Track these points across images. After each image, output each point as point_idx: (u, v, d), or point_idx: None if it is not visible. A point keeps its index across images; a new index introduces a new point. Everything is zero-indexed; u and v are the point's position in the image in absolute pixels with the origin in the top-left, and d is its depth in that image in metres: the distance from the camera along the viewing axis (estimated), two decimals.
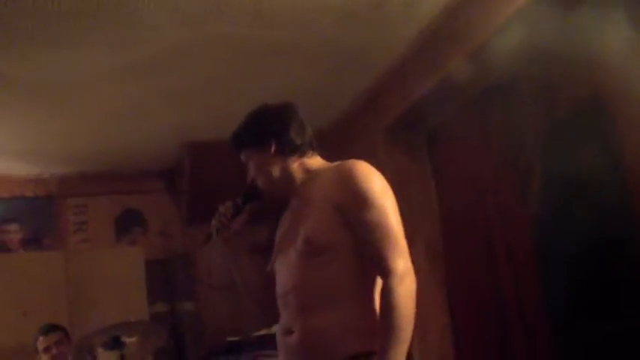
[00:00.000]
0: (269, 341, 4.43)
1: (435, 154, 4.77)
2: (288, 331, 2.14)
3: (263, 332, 4.55)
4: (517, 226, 3.89)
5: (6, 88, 4.22)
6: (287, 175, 2.26)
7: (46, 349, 4.27)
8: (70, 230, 6.05)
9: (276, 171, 2.25)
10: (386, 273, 1.98)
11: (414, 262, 2.05)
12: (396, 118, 4.64)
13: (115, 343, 3.72)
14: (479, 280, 4.22)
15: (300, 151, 2.27)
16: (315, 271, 2.08)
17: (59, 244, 5.95)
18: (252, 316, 5.91)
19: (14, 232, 5.99)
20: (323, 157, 2.34)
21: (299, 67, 4.38)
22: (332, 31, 3.91)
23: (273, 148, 2.25)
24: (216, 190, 5.82)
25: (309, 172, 2.26)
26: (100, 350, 3.77)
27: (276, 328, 4.53)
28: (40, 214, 6.06)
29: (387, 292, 1.96)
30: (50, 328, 4.35)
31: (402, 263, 1.99)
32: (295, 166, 2.26)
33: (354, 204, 2.05)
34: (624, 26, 2.87)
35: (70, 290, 5.16)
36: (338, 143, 5.49)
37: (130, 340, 3.74)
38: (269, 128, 2.29)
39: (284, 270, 2.20)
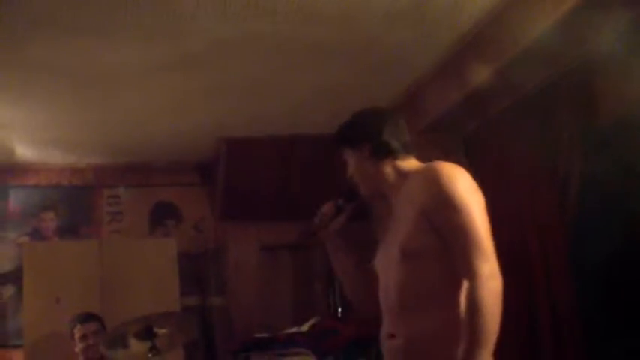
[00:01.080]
0: (298, 339, 4.47)
1: (472, 160, 4.73)
2: (390, 335, 2.19)
3: (293, 330, 4.56)
4: (553, 235, 3.84)
5: (46, 76, 4.27)
6: (380, 177, 2.31)
7: (83, 338, 4.32)
8: (105, 220, 6.12)
9: (370, 173, 2.32)
10: (470, 275, 2.00)
11: None
12: (433, 121, 4.62)
13: (148, 333, 3.74)
14: (513, 289, 4.18)
15: (393, 154, 2.31)
16: (412, 276, 2.13)
17: (94, 233, 6.03)
18: (281, 314, 5.99)
19: (50, 221, 6.07)
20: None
21: (337, 66, 4.38)
22: (372, 31, 3.90)
23: (367, 150, 2.31)
24: (250, 186, 5.93)
25: (402, 175, 2.29)
26: (132, 339, 3.79)
27: (305, 327, 4.55)
28: (76, 203, 6.14)
29: (470, 295, 1.99)
30: (88, 317, 4.40)
31: (486, 265, 2.00)
32: (389, 169, 2.31)
33: (438, 208, 2.08)
34: None
35: (103, 279, 5.19)
36: None
37: (161, 331, 3.75)
38: (364, 130, 2.35)
39: (385, 274, 2.27)
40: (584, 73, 3.50)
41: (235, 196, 5.96)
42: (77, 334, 4.34)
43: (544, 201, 3.94)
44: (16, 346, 5.67)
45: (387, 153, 2.30)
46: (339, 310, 5.26)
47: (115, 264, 5.27)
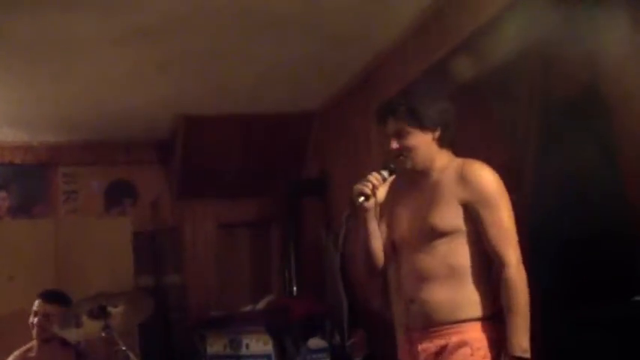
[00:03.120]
0: (253, 317, 4.47)
1: None
2: (411, 301, 2.47)
3: (248, 308, 4.56)
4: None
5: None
6: (434, 160, 2.51)
7: (35, 313, 4.23)
8: (60, 199, 6.01)
9: (428, 154, 2.49)
10: (504, 264, 2.36)
11: None
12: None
13: (101, 312, 3.69)
14: None
15: (450, 145, 2.54)
16: (437, 252, 2.43)
17: (49, 212, 5.92)
18: (238, 292, 5.95)
19: (2, 200, 5.94)
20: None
21: (297, 40, 4.31)
22: (333, 3, 3.85)
23: (436, 135, 2.48)
24: (208, 164, 5.87)
25: (446, 163, 2.52)
26: (85, 318, 3.73)
27: (260, 305, 4.53)
28: (30, 182, 6.01)
29: (508, 282, 2.34)
30: (50, 297, 4.25)
31: (515, 255, 2.37)
32: (443, 155, 2.52)
33: (477, 203, 2.40)
34: (622, 22, 2.86)
35: (57, 258, 5.11)
36: (334, 120, 5.47)
37: (115, 310, 3.71)
38: (440, 117, 2.50)
39: (408, 248, 2.52)
40: (539, 58, 3.51)
41: (193, 173, 5.90)
42: (34, 307, 4.26)
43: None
44: None
45: (449, 143, 2.53)
46: (294, 288, 5.25)
47: (70, 243, 5.20)
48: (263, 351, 4.27)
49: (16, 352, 4.34)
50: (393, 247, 2.61)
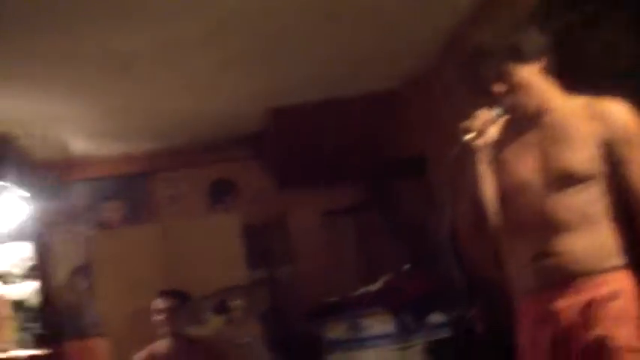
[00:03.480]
0: (370, 299, 4.44)
1: None
2: (542, 255, 2.20)
3: (363, 291, 4.54)
4: None
5: (88, 67, 4.27)
6: (549, 98, 2.25)
7: (156, 312, 4.42)
8: (164, 204, 6.15)
9: (540, 90, 2.24)
10: None
11: None
12: None
13: (223, 307, 3.74)
14: None
15: (558, 77, 2.27)
16: (572, 198, 2.18)
17: (155, 218, 6.06)
18: (349, 277, 5.95)
19: (113, 211, 6.13)
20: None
21: (382, 15, 4.23)
22: None
23: (541, 64, 2.23)
24: (304, 154, 5.88)
25: (563, 101, 2.26)
26: (208, 314, 3.80)
27: (376, 286, 4.48)
28: (135, 190, 6.18)
29: None
30: (165, 293, 4.48)
31: None
32: (556, 92, 2.27)
33: (618, 142, 2.16)
34: None
35: (169, 261, 5.21)
36: (427, 97, 5.36)
37: (235, 304, 3.75)
38: (540, 44, 2.25)
39: (532, 196, 2.23)
40: None
41: (290, 164, 5.94)
42: (155, 306, 4.44)
43: None
44: (95, 336, 5.76)
45: (558, 73, 2.26)
46: (407, 267, 5.20)
47: (180, 245, 5.27)
48: (384, 331, 4.22)
49: (142, 352, 4.49)
50: (504, 199, 2.28)
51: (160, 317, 4.38)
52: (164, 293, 4.49)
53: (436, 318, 4.40)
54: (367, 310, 4.35)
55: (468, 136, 2.20)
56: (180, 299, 4.46)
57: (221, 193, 6.14)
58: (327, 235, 6.07)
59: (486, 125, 2.22)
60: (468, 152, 2.23)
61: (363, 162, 5.96)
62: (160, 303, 4.44)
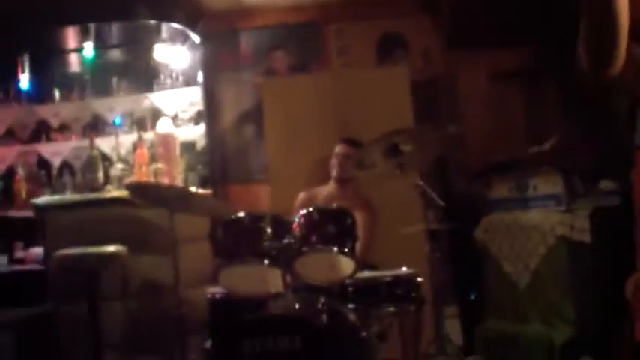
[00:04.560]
0: (541, 158, 4.35)
1: None
2: None
3: (535, 149, 4.44)
4: None
5: None
6: None
7: (335, 156, 4.66)
8: (333, 54, 6.19)
9: None
10: None
11: None
12: None
13: (394, 151, 3.76)
14: None
15: None
16: None
17: (323, 68, 6.13)
18: (515, 140, 5.82)
19: (281, 59, 6.24)
20: None
21: None
22: None
23: None
24: (477, 12, 5.68)
25: None
26: (378, 158, 3.84)
27: (547, 146, 4.33)
28: (304, 40, 6.24)
29: None
30: (348, 141, 4.68)
31: None
32: None
33: None
34: None
35: (337, 110, 5.27)
36: None
37: (407, 149, 3.76)
38: None
39: None
40: None
41: (462, 23, 5.76)
42: (335, 150, 4.68)
43: None
44: (259, 181, 6.02)
45: None
46: (576, 132, 5.02)
47: (349, 94, 5.31)
48: (552, 191, 4.14)
49: (304, 193, 4.69)
50: None
51: (339, 160, 4.54)
52: (344, 140, 4.66)
53: (606, 185, 4.27)
54: (537, 169, 4.27)
55: None
56: (359, 145, 4.57)
57: (390, 47, 6.10)
58: (495, 97, 5.94)
59: None
60: None
61: (540, 25, 5.70)
62: (338, 149, 4.60)
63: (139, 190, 4.16)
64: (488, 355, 4.56)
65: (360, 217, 4.51)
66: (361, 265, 3.35)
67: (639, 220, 2.03)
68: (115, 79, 6.32)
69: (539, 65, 5.89)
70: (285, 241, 3.26)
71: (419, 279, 3.69)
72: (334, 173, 4.60)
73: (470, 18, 5.73)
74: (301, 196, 4.70)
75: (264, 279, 3.41)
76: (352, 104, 5.28)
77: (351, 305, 3.53)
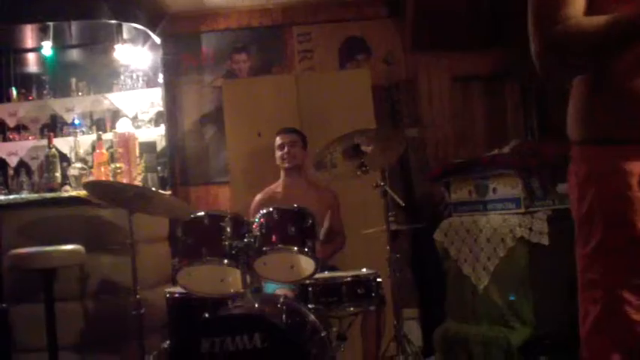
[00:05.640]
0: (500, 160, 4.38)
1: None
2: None
3: (494, 152, 4.47)
4: None
5: None
6: None
7: (279, 147, 4.62)
8: (296, 58, 6.19)
9: None
10: None
11: None
12: None
13: (355, 151, 3.77)
14: None
15: None
16: None
17: (286, 71, 6.12)
18: (476, 143, 5.84)
19: (243, 62, 6.22)
20: None
21: None
22: None
23: None
24: (440, 16, 5.73)
25: None
26: (339, 158, 3.84)
27: (506, 149, 4.37)
28: (267, 43, 6.22)
29: None
30: (286, 129, 4.66)
31: None
32: None
33: None
34: None
35: (300, 112, 5.29)
36: None
37: (368, 149, 3.76)
38: None
39: None
40: None
41: (425, 26, 5.81)
42: (275, 144, 4.63)
43: None
44: (219, 183, 6.00)
45: None
46: (536, 135, 5.10)
47: (310, 97, 5.33)
48: (511, 194, 4.17)
49: (260, 194, 4.67)
50: None
51: (286, 149, 4.52)
52: (281, 130, 4.65)
53: (564, 187, 4.31)
54: (497, 171, 4.30)
55: None
56: (301, 133, 4.57)
57: (354, 50, 6.13)
58: (456, 100, 5.99)
59: None
60: None
61: (500, 29, 5.77)
62: (279, 139, 4.60)
63: (98, 188, 4.11)
64: (447, 356, 4.58)
65: (323, 200, 4.53)
66: (321, 264, 3.36)
67: (576, 217, 2.01)
68: (74, 79, 6.25)
69: (500, 69, 5.96)
70: (246, 240, 3.26)
71: (379, 279, 3.71)
72: (285, 163, 4.55)
73: (433, 22, 5.77)
74: (257, 198, 4.66)
75: (223, 279, 3.40)
76: (314, 107, 5.29)
77: (311, 305, 3.54)
